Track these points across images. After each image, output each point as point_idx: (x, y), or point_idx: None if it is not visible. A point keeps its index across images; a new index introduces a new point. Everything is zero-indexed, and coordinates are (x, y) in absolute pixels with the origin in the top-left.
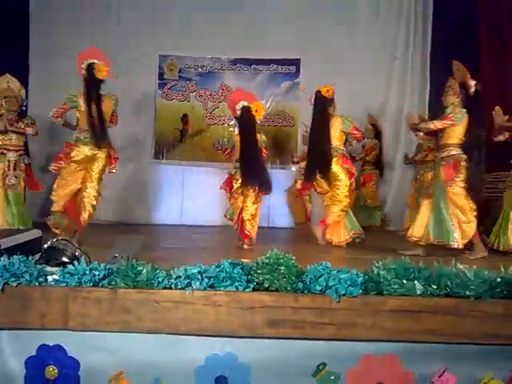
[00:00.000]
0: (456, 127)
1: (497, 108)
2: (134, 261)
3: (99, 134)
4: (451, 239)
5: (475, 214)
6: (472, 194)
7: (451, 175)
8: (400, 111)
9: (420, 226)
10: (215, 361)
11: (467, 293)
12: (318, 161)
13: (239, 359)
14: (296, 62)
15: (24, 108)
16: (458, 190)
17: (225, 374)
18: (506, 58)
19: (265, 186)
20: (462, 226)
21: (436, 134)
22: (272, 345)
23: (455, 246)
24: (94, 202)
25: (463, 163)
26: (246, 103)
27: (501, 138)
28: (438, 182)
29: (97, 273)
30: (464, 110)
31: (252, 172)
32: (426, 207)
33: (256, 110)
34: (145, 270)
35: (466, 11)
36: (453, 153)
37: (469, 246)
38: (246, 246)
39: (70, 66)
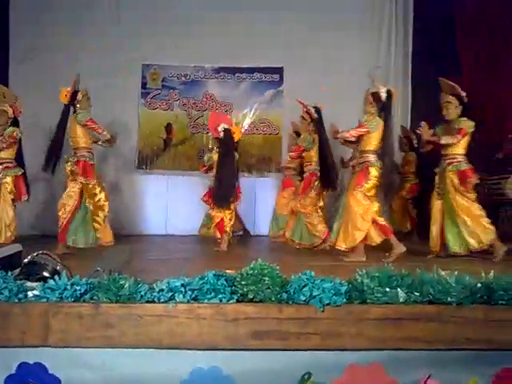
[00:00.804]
0: (372, 134)
1: (423, 123)
2: (116, 274)
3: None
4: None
5: (368, 224)
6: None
7: (360, 181)
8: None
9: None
10: (200, 375)
11: (449, 299)
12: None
13: (224, 372)
14: (279, 71)
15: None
16: (359, 196)
17: None
18: (483, 60)
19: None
20: (351, 230)
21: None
22: (257, 356)
23: (339, 248)
24: None
25: (372, 170)
26: (226, 126)
27: (427, 148)
28: (350, 187)
29: (78, 287)
30: (378, 119)
31: (223, 190)
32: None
33: (234, 133)
34: (127, 284)
35: (446, 16)
36: (367, 160)
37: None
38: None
39: (49, 67)
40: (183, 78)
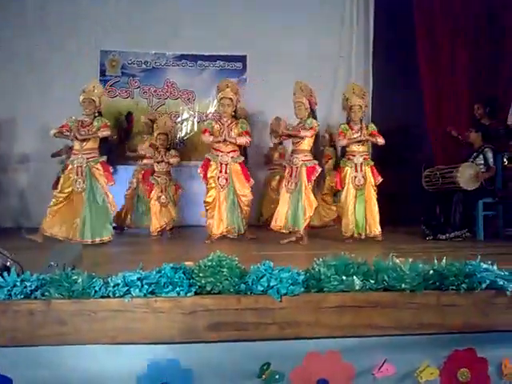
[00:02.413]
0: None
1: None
2: (70, 269)
3: None
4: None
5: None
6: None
7: (309, 176)
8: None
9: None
10: (157, 368)
11: (403, 286)
12: None
13: (182, 365)
14: (242, 59)
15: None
16: (309, 188)
17: (168, 380)
18: (438, 54)
19: None
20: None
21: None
22: (215, 348)
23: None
24: None
25: (318, 168)
26: None
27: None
28: (300, 181)
29: (28, 284)
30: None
31: None
32: (285, 201)
33: None
34: (80, 279)
35: (405, 8)
36: (310, 158)
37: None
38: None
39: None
40: (143, 66)
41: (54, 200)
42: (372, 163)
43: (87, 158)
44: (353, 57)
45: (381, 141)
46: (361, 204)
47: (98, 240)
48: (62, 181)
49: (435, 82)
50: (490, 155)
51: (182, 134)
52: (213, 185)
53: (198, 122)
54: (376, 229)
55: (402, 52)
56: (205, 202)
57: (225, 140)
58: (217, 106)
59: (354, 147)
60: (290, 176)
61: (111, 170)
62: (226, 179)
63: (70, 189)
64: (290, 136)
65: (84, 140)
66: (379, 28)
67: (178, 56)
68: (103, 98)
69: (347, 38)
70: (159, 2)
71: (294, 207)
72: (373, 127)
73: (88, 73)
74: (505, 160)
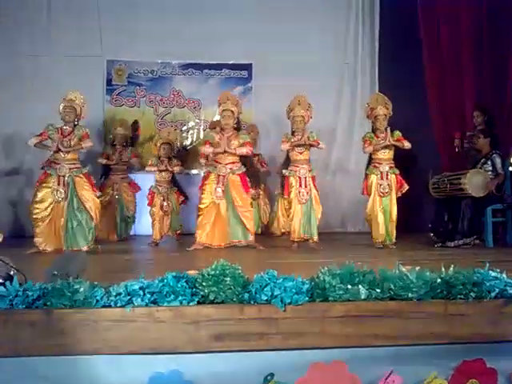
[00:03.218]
0: None
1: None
2: (72, 279)
3: None
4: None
5: None
6: None
7: (315, 185)
8: (353, 113)
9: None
10: (159, 380)
11: (410, 295)
12: None
13: (185, 376)
14: (248, 67)
15: None
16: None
17: None
18: (443, 59)
19: None
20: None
21: None
22: (218, 359)
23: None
24: None
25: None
26: None
27: None
28: (311, 190)
29: (30, 293)
30: None
31: None
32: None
33: None
34: (82, 289)
35: (411, 16)
36: (311, 167)
37: None
38: None
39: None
40: (150, 74)
41: (35, 212)
42: (397, 171)
43: (70, 169)
44: (359, 64)
45: (407, 145)
46: (385, 213)
47: (75, 249)
48: (39, 193)
49: (441, 90)
50: (498, 161)
51: (188, 143)
52: (207, 196)
53: (204, 130)
54: (393, 238)
55: (407, 60)
56: (199, 208)
57: (225, 151)
58: (219, 118)
59: (381, 155)
60: (300, 186)
61: (94, 181)
62: (223, 191)
63: (49, 200)
64: (299, 146)
65: (67, 151)
66: (385, 36)
67: (184, 65)
68: (84, 108)
69: (353, 46)
70: (165, 11)
71: (307, 217)
72: (398, 134)
73: (94, 82)
74: (510, 164)
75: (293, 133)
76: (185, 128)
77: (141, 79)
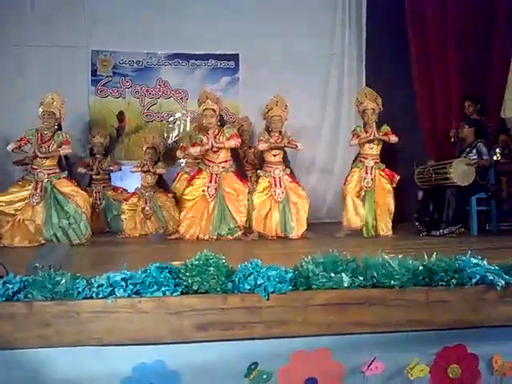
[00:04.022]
0: None
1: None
2: (54, 270)
3: None
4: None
5: None
6: None
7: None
8: (339, 106)
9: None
10: (143, 370)
11: (392, 282)
12: None
13: (168, 366)
14: (235, 58)
15: None
16: None
17: (154, 382)
18: (430, 55)
19: None
20: None
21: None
22: (202, 349)
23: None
24: None
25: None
26: None
27: None
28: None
29: (10, 286)
30: None
31: None
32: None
33: None
34: (64, 280)
35: (397, 6)
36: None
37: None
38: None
39: None
40: (135, 65)
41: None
42: (383, 166)
43: (48, 174)
44: (345, 55)
45: (394, 139)
46: (369, 206)
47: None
48: (11, 192)
49: (427, 80)
50: (484, 149)
51: (175, 134)
52: (196, 190)
53: (191, 122)
54: (386, 228)
55: (394, 49)
56: (183, 200)
57: (212, 147)
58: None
59: (367, 150)
60: (275, 185)
61: (75, 184)
62: (216, 189)
63: (23, 202)
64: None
65: (45, 157)
66: (372, 25)
67: (171, 55)
68: (63, 110)
69: (340, 36)
70: (151, 2)
71: (283, 215)
72: (386, 128)
73: (79, 73)
74: (497, 153)
75: (268, 132)
76: (171, 119)
77: (126, 70)
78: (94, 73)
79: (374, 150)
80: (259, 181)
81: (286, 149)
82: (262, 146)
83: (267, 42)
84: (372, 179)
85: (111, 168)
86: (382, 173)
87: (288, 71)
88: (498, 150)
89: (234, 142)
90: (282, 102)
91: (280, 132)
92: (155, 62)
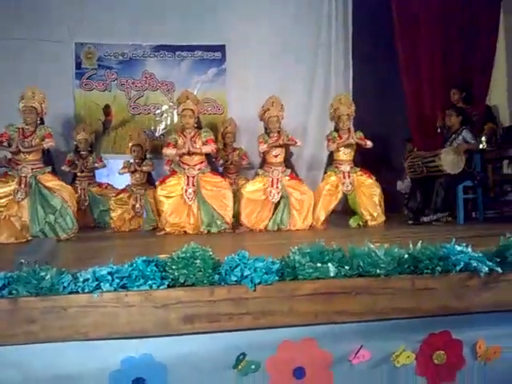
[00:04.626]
0: None
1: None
2: (39, 266)
3: None
4: None
5: None
6: None
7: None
8: (326, 97)
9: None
10: (130, 363)
11: (378, 271)
12: None
13: (156, 359)
14: (221, 49)
15: None
16: None
17: (142, 375)
18: (416, 46)
19: None
20: None
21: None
22: (189, 341)
23: None
24: None
25: None
26: None
27: None
28: (285, 191)
29: None
30: None
31: None
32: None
33: None
34: (49, 275)
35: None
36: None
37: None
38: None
39: None
40: (120, 57)
41: None
42: (358, 169)
43: (32, 169)
44: (332, 47)
45: (369, 143)
46: (354, 202)
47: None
48: None
49: (413, 70)
50: (469, 136)
51: (162, 127)
52: (173, 188)
53: (178, 114)
54: (374, 218)
55: (381, 41)
56: (159, 201)
57: (189, 151)
58: (179, 118)
59: (342, 156)
60: (272, 186)
61: (60, 178)
62: (194, 191)
63: (7, 199)
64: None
65: (28, 152)
66: (358, 16)
67: (156, 47)
68: (45, 104)
69: (326, 27)
70: None
71: (281, 212)
72: (360, 134)
73: (63, 66)
74: (483, 141)
75: (267, 133)
76: (158, 112)
77: (111, 62)
78: (78, 66)
79: (349, 155)
80: (256, 178)
81: (291, 149)
82: (262, 148)
83: (253, 33)
84: (351, 183)
85: (96, 165)
86: (358, 173)
87: (274, 62)
88: (483, 139)
89: (211, 148)
90: (278, 102)
91: (278, 132)
92: (140, 54)
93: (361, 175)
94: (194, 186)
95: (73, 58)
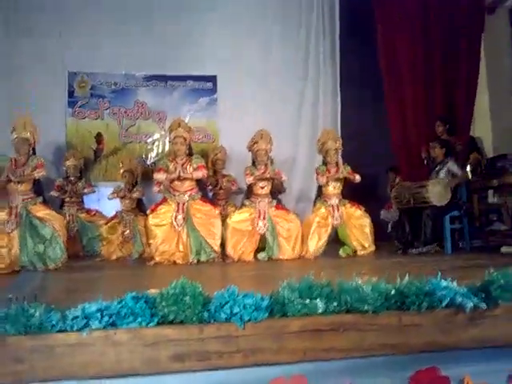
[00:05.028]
0: None
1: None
2: (27, 302)
3: None
4: None
5: None
6: None
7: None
8: (315, 129)
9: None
10: None
11: (365, 307)
12: None
13: None
14: (213, 79)
15: None
16: None
17: None
18: (400, 76)
19: None
20: None
21: None
22: (179, 379)
23: None
24: None
25: None
26: None
27: None
28: (271, 221)
29: None
30: None
31: None
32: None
33: None
34: (37, 313)
35: (369, 30)
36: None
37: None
38: None
39: None
40: (113, 86)
41: None
42: (346, 201)
43: (23, 200)
44: (321, 77)
45: (358, 178)
46: (344, 233)
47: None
48: None
49: (398, 100)
50: (455, 167)
51: (154, 155)
52: (164, 217)
53: (170, 141)
54: (364, 248)
55: (368, 73)
56: (149, 227)
57: (179, 177)
58: (170, 145)
59: (331, 190)
60: (259, 218)
61: (51, 208)
62: (184, 218)
63: None
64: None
65: (19, 182)
66: (345, 49)
67: (148, 76)
68: (37, 134)
69: (314, 60)
70: (127, 23)
71: (270, 242)
72: (348, 168)
73: (55, 94)
74: (468, 171)
75: (253, 164)
76: (150, 140)
77: (104, 91)
78: (71, 94)
79: (337, 189)
80: (243, 208)
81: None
82: (248, 180)
83: (244, 64)
84: (340, 216)
85: (85, 190)
86: (347, 205)
87: (263, 93)
88: (468, 168)
89: (202, 173)
90: (267, 136)
91: (266, 164)
92: (133, 84)
93: (350, 207)
94: (183, 212)
95: (66, 86)
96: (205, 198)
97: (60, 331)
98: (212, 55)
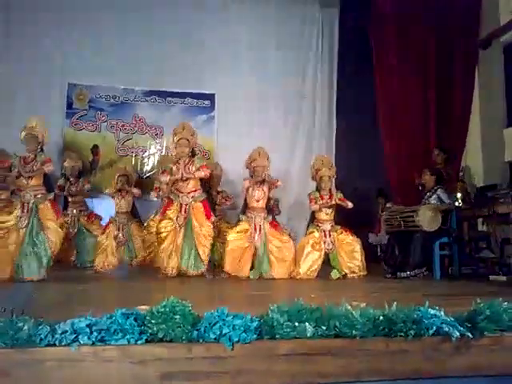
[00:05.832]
0: None
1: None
2: (15, 315)
3: None
4: None
5: None
6: None
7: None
8: (309, 149)
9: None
10: None
11: (354, 332)
12: None
13: None
14: (211, 97)
15: None
16: None
17: None
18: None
19: None
20: None
21: None
22: None
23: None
24: None
25: None
26: None
27: None
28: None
29: None
30: None
31: None
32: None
33: None
34: (26, 327)
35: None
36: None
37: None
38: None
39: None
40: (112, 100)
41: None
42: (338, 227)
43: (34, 196)
44: (318, 97)
45: (350, 205)
46: (336, 259)
47: (29, 279)
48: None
49: (393, 128)
50: (445, 196)
51: (149, 169)
52: (169, 223)
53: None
54: (359, 272)
55: (364, 96)
56: (157, 233)
57: (182, 176)
58: (174, 148)
59: (323, 216)
60: (255, 230)
61: (59, 209)
62: (185, 218)
63: (9, 224)
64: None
65: (29, 177)
66: (342, 72)
67: (147, 92)
68: (46, 134)
69: (311, 80)
70: (129, 38)
71: (262, 258)
72: (340, 194)
73: (54, 105)
74: (459, 199)
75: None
76: (145, 154)
77: (103, 104)
78: (69, 106)
79: (330, 215)
80: (239, 223)
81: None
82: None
83: (242, 82)
84: (332, 242)
85: (85, 186)
86: (339, 231)
87: (261, 111)
88: (459, 196)
89: (204, 173)
90: (264, 153)
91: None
92: (132, 98)
93: (341, 233)
94: (185, 212)
95: (64, 98)
96: (207, 202)
97: (48, 345)
98: (211, 74)
